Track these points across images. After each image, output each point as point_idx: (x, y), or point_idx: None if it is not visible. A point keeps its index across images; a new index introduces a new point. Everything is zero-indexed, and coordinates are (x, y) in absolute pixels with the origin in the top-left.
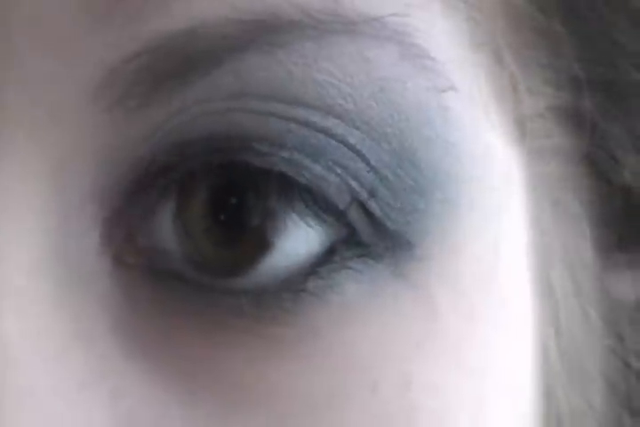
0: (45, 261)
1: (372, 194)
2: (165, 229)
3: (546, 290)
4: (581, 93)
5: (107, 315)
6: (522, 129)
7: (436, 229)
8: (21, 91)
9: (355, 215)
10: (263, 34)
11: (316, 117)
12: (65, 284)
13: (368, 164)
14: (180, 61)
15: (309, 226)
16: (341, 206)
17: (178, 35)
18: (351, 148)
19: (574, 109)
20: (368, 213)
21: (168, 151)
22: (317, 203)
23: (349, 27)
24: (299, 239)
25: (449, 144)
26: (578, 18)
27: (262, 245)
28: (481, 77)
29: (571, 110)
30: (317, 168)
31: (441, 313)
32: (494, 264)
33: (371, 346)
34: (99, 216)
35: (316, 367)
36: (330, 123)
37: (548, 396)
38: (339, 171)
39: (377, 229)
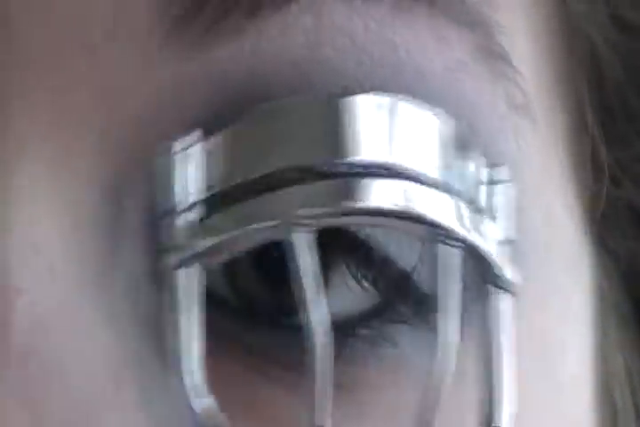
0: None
1: None
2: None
3: (606, 401)
4: None
5: (152, 333)
6: (597, 214)
7: None
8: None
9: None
10: None
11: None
12: (111, 300)
13: None
14: None
15: (360, 284)
16: (408, 267)
17: None
18: None
19: None
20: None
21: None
22: (375, 261)
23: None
24: (349, 291)
25: (521, 177)
26: None
27: None
28: (560, 130)
29: None
30: None
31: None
32: (559, 350)
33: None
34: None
35: (360, 415)
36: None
37: None
38: None
39: None
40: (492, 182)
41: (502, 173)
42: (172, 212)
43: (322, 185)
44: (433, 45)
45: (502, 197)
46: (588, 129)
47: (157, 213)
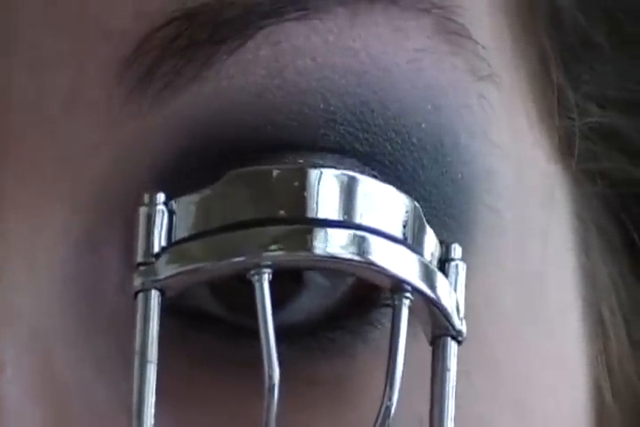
0: (67, 293)
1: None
2: None
3: (597, 326)
4: (622, 114)
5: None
6: (567, 147)
7: (482, 241)
8: (30, 75)
9: None
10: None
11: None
12: (87, 317)
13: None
14: (212, 29)
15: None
16: None
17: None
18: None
19: (616, 130)
20: None
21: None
22: None
23: None
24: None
25: (489, 140)
26: (621, 35)
27: (293, 282)
28: (524, 81)
29: (613, 131)
30: None
31: (486, 344)
32: (539, 287)
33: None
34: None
35: (358, 403)
36: (364, 97)
37: None
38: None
39: None
40: (445, 260)
41: (455, 251)
42: (149, 256)
43: (285, 229)
44: (392, 40)
45: (453, 275)
46: (551, 75)
47: (136, 258)
